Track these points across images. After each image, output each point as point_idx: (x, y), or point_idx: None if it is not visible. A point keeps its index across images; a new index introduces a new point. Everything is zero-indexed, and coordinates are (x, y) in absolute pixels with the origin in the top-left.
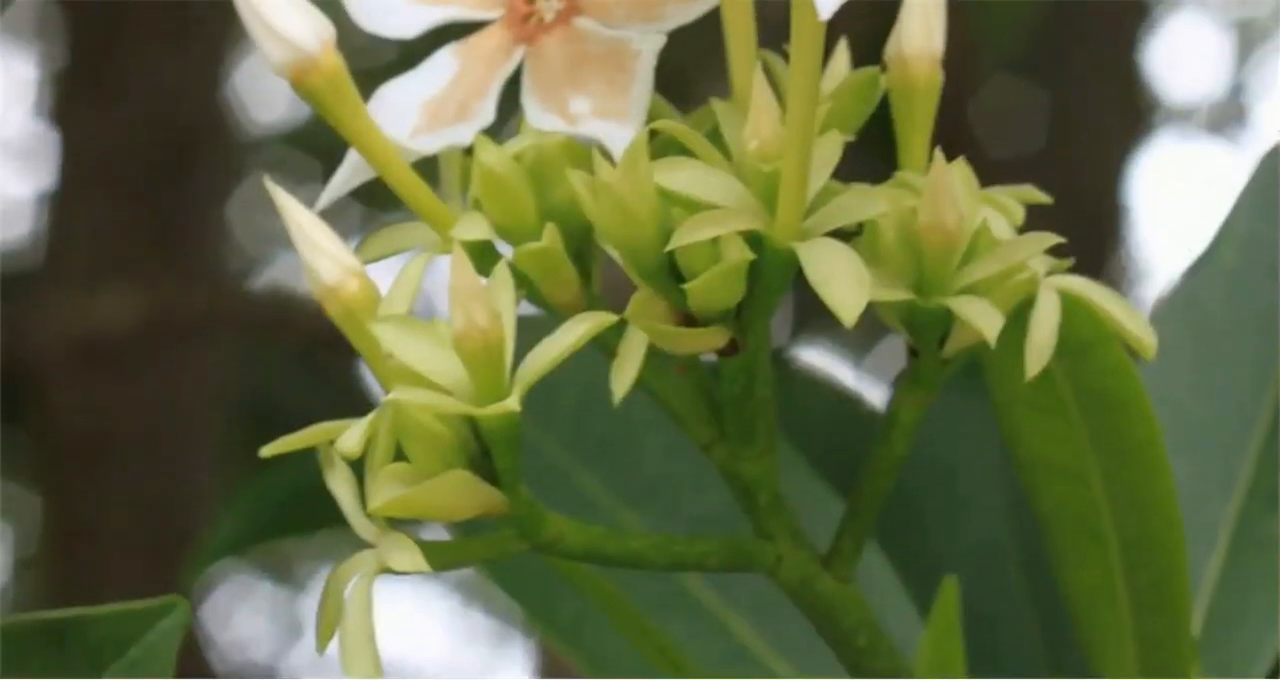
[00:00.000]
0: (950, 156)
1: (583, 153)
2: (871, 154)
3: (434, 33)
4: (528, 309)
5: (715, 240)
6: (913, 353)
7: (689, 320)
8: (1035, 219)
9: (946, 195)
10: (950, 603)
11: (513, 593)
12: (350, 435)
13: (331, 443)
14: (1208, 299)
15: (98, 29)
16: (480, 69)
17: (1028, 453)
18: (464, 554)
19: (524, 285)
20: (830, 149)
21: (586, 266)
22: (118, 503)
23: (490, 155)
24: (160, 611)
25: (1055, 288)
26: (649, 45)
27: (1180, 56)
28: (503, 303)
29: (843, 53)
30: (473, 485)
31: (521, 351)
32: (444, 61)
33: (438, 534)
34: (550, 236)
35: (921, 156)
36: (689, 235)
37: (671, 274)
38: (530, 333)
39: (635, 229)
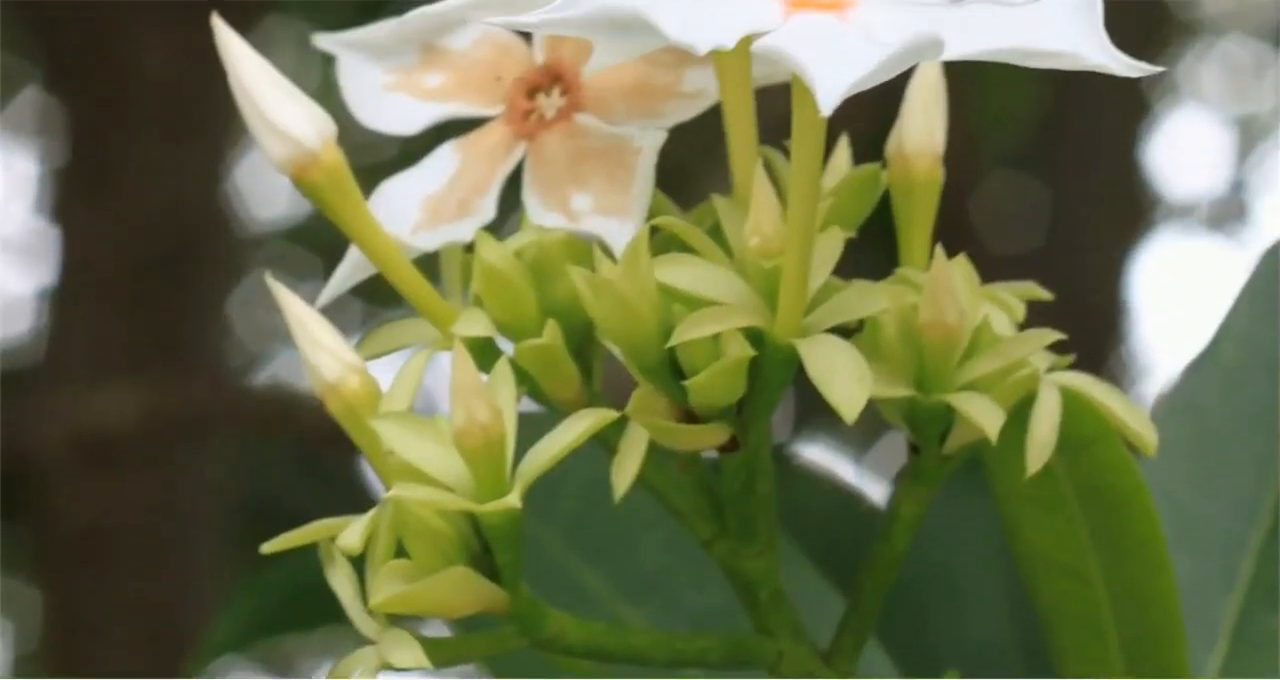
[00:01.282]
0: (951, 252)
1: (584, 249)
2: (873, 250)
3: (435, 129)
4: (529, 405)
5: (716, 337)
6: (914, 449)
7: (690, 417)
8: (1036, 315)
9: (947, 292)
10: None
11: None
12: (351, 532)
13: (332, 539)
14: (1208, 396)
15: (98, 126)
16: (481, 165)
17: (1028, 548)
18: (465, 650)
19: (525, 381)
20: (831, 245)
21: (587, 363)
22: (118, 599)
23: (491, 251)
24: None
25: (1056, 384)
26: (650, 142)
27: (1181, 153)
28: (504, 399)
29: (844, 149)
30: (473, 582)
31: (522, 448)
32: (445, 157)
33: (439, 630)
34: (551, 333)
35: (923, 252)
36: (690, 332)
37: (673, 370)
38: (531, 429)
39: (636, 325)
